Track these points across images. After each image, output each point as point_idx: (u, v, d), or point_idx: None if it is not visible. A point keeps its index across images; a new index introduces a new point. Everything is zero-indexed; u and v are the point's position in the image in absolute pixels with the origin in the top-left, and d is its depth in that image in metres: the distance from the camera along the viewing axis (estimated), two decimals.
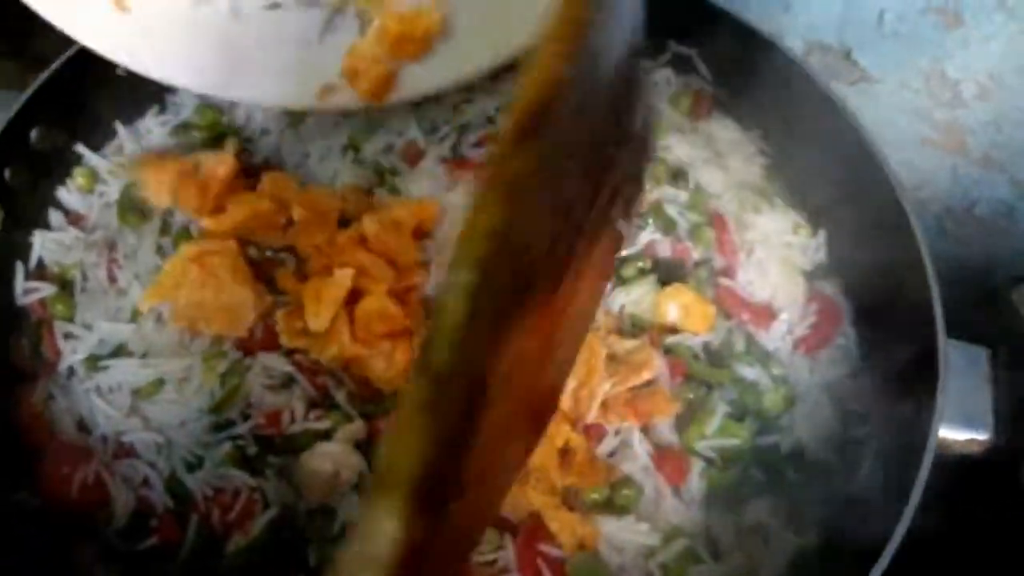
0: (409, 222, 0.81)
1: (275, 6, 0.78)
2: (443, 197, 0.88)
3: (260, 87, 0.81)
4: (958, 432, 0.72)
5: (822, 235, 0.90)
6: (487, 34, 0.78)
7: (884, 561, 0.65)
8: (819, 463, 0.79)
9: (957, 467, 0.71)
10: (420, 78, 0.82)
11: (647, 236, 0.86)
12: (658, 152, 0.93)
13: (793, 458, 0.79)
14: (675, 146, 0.94)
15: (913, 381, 0.74)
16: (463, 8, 0.79)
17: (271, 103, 0.84)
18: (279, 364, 0.77)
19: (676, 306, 0.81)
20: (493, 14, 0.78)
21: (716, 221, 0.89)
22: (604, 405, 0.74)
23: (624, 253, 0.85)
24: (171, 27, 0.77)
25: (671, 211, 0.88)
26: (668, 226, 0.87)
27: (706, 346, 0.81)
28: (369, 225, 0.80)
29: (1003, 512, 0.79)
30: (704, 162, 0.94)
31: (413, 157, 0.91)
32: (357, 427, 0.76)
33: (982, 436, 0.72)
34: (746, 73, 0.95)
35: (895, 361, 0.78)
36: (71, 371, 0.80)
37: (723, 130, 0.98)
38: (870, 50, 1.19)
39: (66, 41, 0.90)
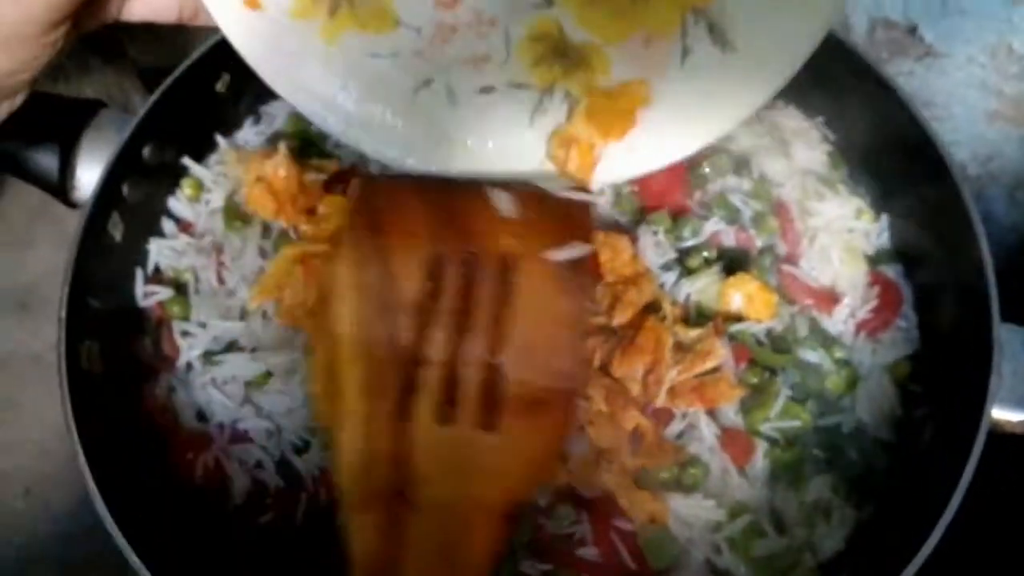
0: None
1: (488, 90, 0.79)
2: None
3: (471, 165, 0.82)
4: (1011, 413, 0.76)
5: (884, 220, 0.93)
6: (691, 119, 0.78)
7: (936, 535, 0.69)
8: (879, 442, 0.83)
9: (1011, 446, 0.75)
10: (626, 160, 0.81)
11: (712, 226, 0.90)
12: (722, 142, 0.97)
13: (854, 437, 0.83)
14: (739, 136, 0.97)
15: (968, 363, 0.78)
16: (669, 91, 0.78)
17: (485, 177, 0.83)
18: None
19: (740, 295, 0.85)
20: (697, 99, 0.77)
21: (779, 209, 0.92)
22: (671, 391, 0.80)
23: (690, 243, 0.90)
24: (390, 109, 0.80)
25: (735, 200, 0.92)
26: (732, 215, 0.91)
27: (769, 332, 0.85)
28: None
29: None
30: (767, 151, 0.97)
31: None
32: None
33: None
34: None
35: (953, 343, 0.82)
36: (189, 366, 0.88)
37: (787, 118, 1.00)
38: (935, 25, 1.20)
39: (166, 55, 0.99)
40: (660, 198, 0.92)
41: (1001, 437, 0.76)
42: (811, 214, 0.93)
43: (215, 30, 0.76)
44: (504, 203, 0.76)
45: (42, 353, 1.18)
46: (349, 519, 0.64)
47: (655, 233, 0.89)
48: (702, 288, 0.87)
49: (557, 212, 0.77)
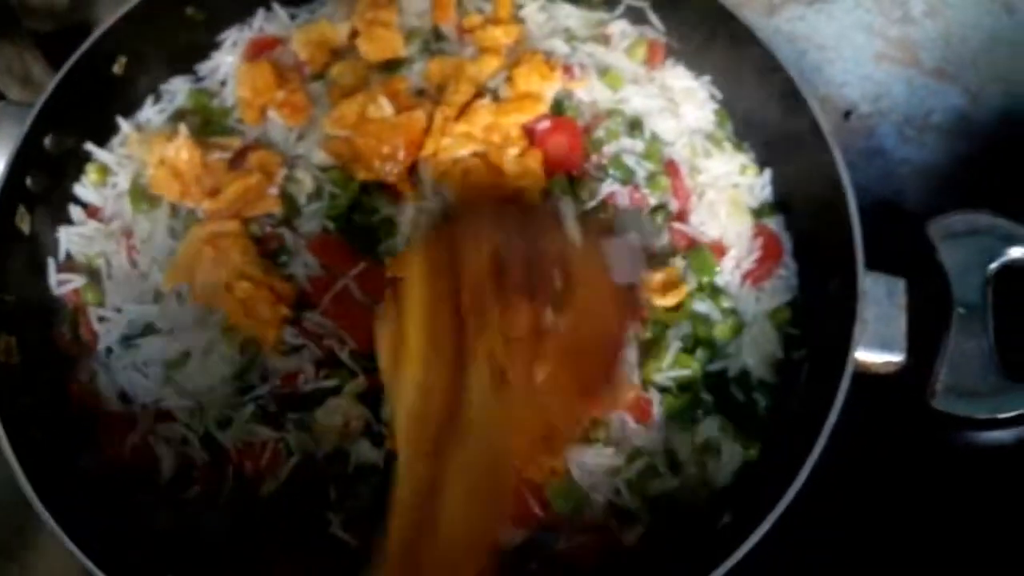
0: None
1: None
2: None
3: None
4: (875, 355, 0.83)
5: (767, 174, 0.99)
6: None
7: (805, 471, 0.77)
8: (763, 383, 0.90)
9: (875, 385, 0.82)
10: None
11: (607, 187, 0.95)
12: (616, 104, 1.01)
13: (739, 380, 0.90)
14: (632, 97, 1.01)
15: (839, 308, 0.85)
16: None
17: None
18: (289, 333, 0.88)
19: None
20: None
21: (670, 168, 0.97)
22: None
23: (588, 205, 0.94)
24: None
25: (629, 161, 0.97)
26: (626, 176, 0.96)
27: None
28: None
29: (912, 427, 0.90)
30: (659, 111, 1.02)
31: None
32: (360, 382, 0.87)
33: (896, 358, 0.83)
34: (693, 21, 1.02)
35: (824, 290, 0.89)
36: (108, 350, 0.91)
37: (676, 79, 1.04)
38: None
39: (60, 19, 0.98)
40: (558, 164, 0.96)
41: (870, 377, 0.83)
42: (699, 171, 0.98)
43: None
44: (571, 225, 0.79)
45: None
46: (403, 465, 0.69)
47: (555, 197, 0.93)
48: None
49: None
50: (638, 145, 0.97)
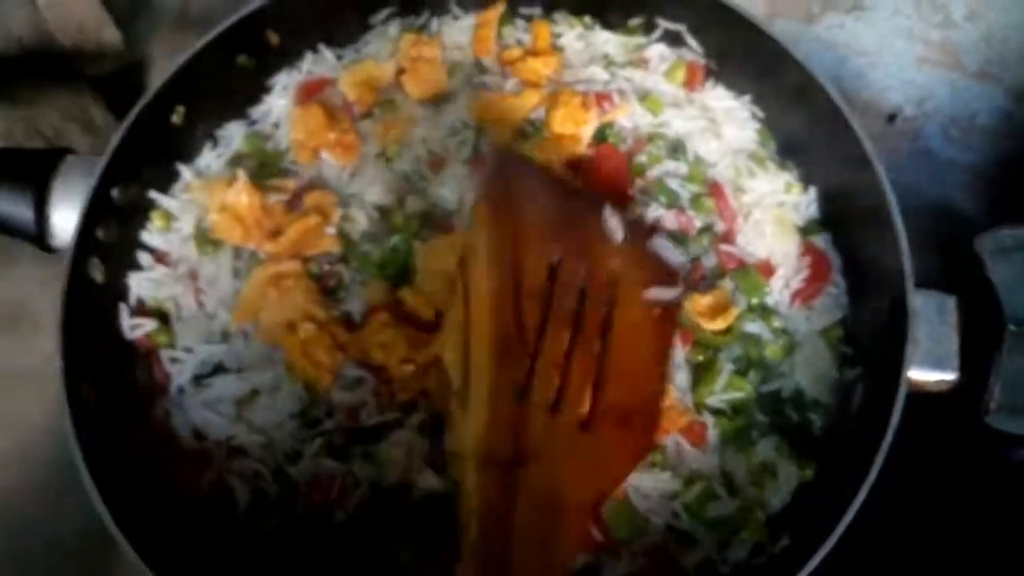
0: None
1: None
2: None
3: None
4: (928, 373, 0.83)
5: (812, 191, 1.00)
6: None
7: (865, 488, 0.78)
8: (816, 403, 0.92)
9: (929, 404, 0.83)
10: None
11: (653, 212, 0.97)
12: (657, 128, 1.03)
13: (793, 401, 0.91)
14: (673, 120, 1.03)
15: (890, 327, 0.85)
16: None
17: None
18: (350, 369, 0.92)
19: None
20: None
21: (714, 190, 0.99)
22: None
23: None
24: None
25: (672, 184, 0.98)
26: (671, 199, 0.98)
27: None
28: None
29: (967, 444, 0.91)
30: (700, 132, 1.03)
31: (437, 164, 1.02)
32: (420, 416, 0.90)
33: (949, 376, 0.84)
34: (730, 41, 1.04)
35: (876, 308, 0.90)
36: (181, 390, 0.95)
37: (716, 99, 1.06)
38: None
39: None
40: (604, 190, 0.98)
41: (923, 395, 0.84)
42: (744, 191, 1.00)
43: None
44: (614, 226, 0.84)
45: (37, 367, 1.24)
46: (472, 477, 0.73)
47: None
48: None
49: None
50: (681, 168, 0.99)
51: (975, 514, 0.92)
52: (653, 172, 0.99)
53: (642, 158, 0.99)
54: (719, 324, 0.90)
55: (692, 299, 0.91)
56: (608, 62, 1.07)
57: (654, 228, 0.95)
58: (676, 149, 1.01)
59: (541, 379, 0.75)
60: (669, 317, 0.83)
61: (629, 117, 1.02)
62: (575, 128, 0.99)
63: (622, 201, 0.98)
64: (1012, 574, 0.88)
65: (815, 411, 0.91)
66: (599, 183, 0.98)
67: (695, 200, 0.98)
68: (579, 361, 0.77)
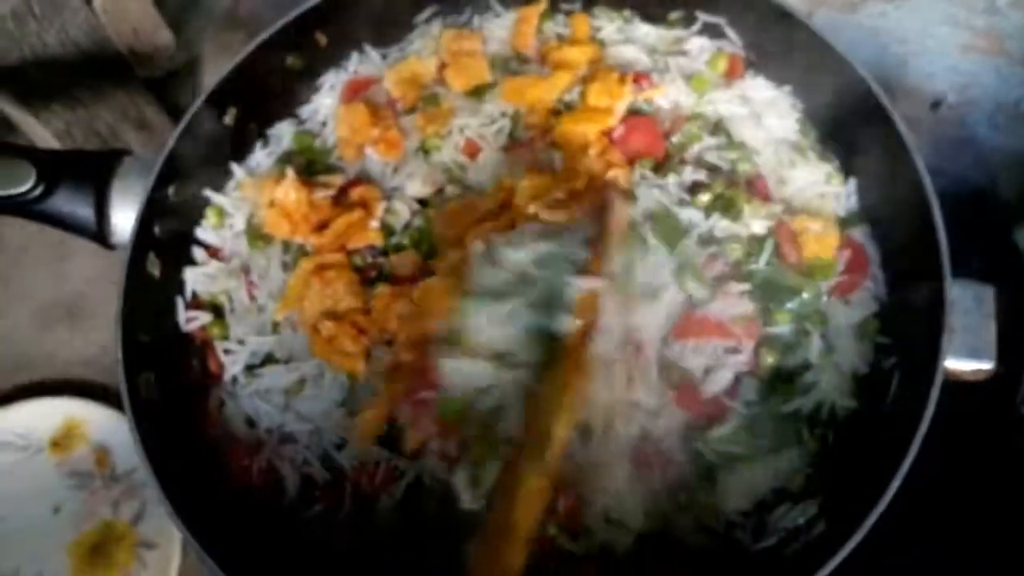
0: None
1: None
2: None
3: None
4: (965, 363, 0.84)
5: (852, 183, 1.00)
6: None
7: (900, 475, 0.79)
8: (841, 400, 0.92)
9: (965, 392, 0.83)
10: None
11: (690, 175, 0.98)
12: (699, 107, 1.04)
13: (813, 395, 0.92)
14: (716, 102, 1.04)
15: (927, 317, 0.85)
16: None
17: None
18: (378, 350, 0.94)
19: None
20: None
21: (757, 183, 0.99)
22: None
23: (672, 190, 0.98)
24: None
25: (711, 158, 0.99)
26: (713, 172, 0.98)
27: None
28: None
29: (1003, 433, 0.91)
30: (742, 119, 1.04)
31: (472, 151, 1.04)
32: None
33: (986, 366, 0.84)
34: (770, 33, 1.04)
35: (913, 299, 0.90)
36: (234, 380, 0.99)
37: (757, 90, 1.06)
38: None
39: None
40: (640, 155, 1.00)
41: (960, 384, 0.84)
42: (785, 182, 1.00)
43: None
44: None
45: (96, 357, 1.30)
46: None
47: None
48: None
49: None
50: (720, 142, 1.00)
51: (1009, 503, 0.92)
52: (692, 151, 1.00)
53: (680, 137, 1.00)
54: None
55: None
56: (651, 49, 1.08)
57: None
58: (716, 129, 1.01)
59: None
60: None
61: (667, 98, 1.03)
62: (610, 101, 1.00)
63: (661, 161, 0.98)
64: None
65: (854, 399, 0.91)
66: (634, 150, 0.99)
67: (733, 167, 0.98)
68: None
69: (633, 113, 1.02)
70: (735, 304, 0.90)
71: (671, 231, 0.93)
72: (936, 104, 1.29)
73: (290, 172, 1.00)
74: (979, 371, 0.84)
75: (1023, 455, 0.93)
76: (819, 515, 0.87)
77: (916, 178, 0.89)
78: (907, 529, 0.82)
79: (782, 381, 0.91)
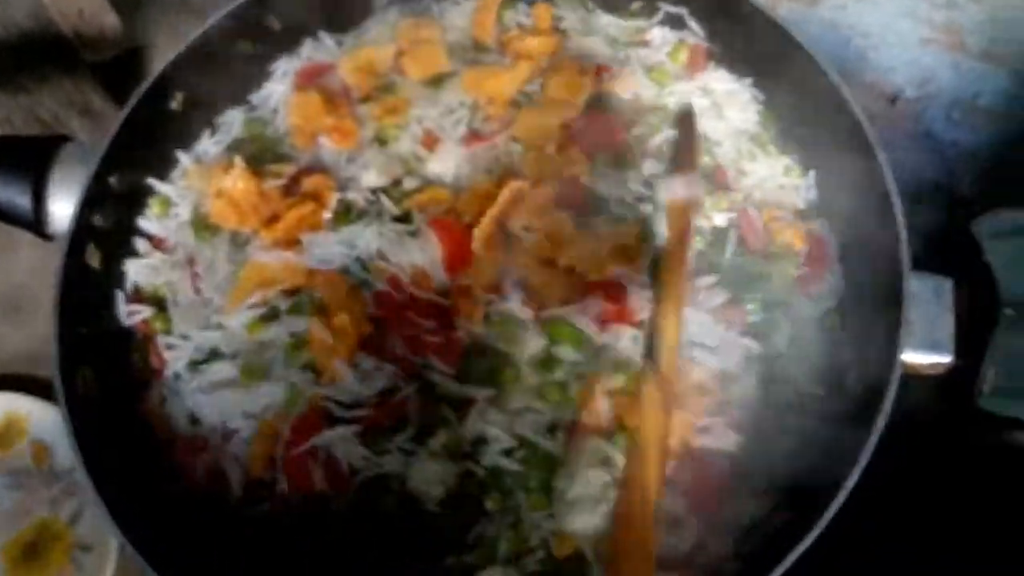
0: None
1: None
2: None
3: None
4: (923, 356, 0.83)
5: (811, 175, 0.99)
6: None
7: (857, 470, 0.77)
8: (812, 387, 0.91)
9: (923, 386, 0.83)
10: None
11: (650, 168, 0.97)
12: (660, 100, 1.03)
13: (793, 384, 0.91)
14: (677, 94, 1.03)
15: (885, 310, 0.85)
16: None
17: None
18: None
19: None
20: None
21: (717, 173, 0.98)
22: None
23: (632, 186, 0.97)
24: None
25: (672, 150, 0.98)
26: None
27: None
28: None
29: (961, 427, 0.90)
30: (704, 112, 1.02)
31: (431, 142, 1.01)
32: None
33: (944, 359, 0.83)
34: (731, 24, 1.03)
35: (872, 293, 0.89)
36: (177, 376, 0.95)
37: (719, 81, 1.05)
38: None
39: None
40: (599, 149, 0.98)
41: (918, 378, 0.83)
42: (745, 174, 0.99)
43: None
44: None
45: (38, 351, 1.26)
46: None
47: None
48: None
49: None
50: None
51: (969, 497, 0.92)
52: (654, 141, 0.99)
53: (641, 129, 0.98)
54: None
55: None
56: (612, 40, 1.06)
57: None
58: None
59: None
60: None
61: (628, 90, 1.02)
62: (569, 94, 0.99)
63: (620, 154, 0.97)
64: (1006, 556, 0.87)
65: (813, 394, 0.90)
66: (593, 144, 0.97)
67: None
68: None
69: (593, 106, 1.00)
70: (709, 296, 0.89)
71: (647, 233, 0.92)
72: (894, 98, 1.30)
73: (239, 160, 0.97)
74: (937, 364, 0.83)
75: (982, 449, 0.92)
76: (778, 508, 0.86)
77: (876, 172, 0.88)
78: (867, 524, 0.81)
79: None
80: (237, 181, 0.96)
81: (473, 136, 1.01)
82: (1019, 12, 1.27)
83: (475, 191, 0.96)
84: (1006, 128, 1.26)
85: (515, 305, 0.88)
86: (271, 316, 0.93)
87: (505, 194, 0.91)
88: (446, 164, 1.00)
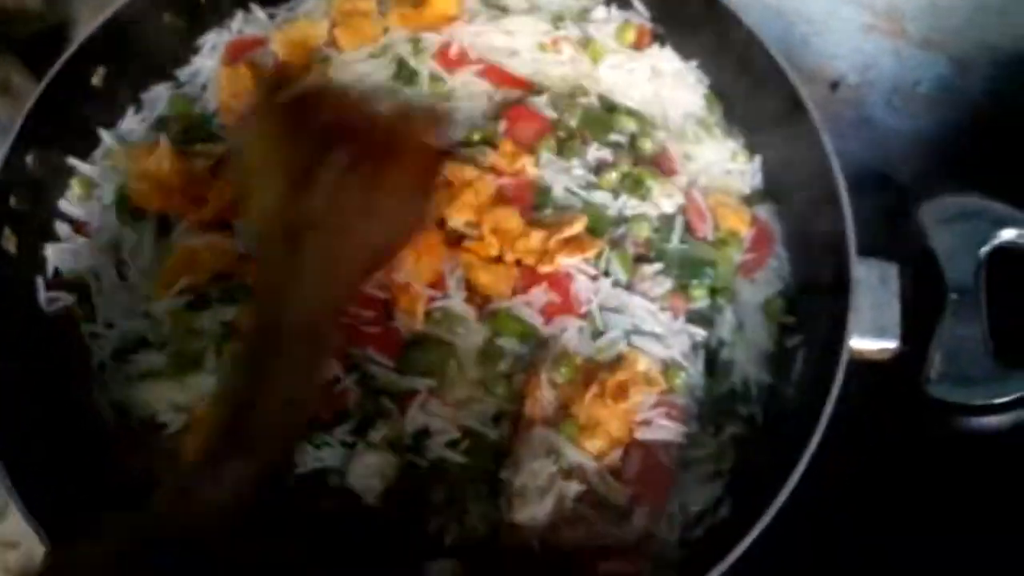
0: None
1: None
2: None
3: None
4: (870, 342, 0.83)
5: (757, 160, 0.98)
6: None
7: (805, 458, 0.77)
8: (758, 374, 0.90)
9: (869, 373, 0.82)
10: None
11: (594, 152, 0.94)
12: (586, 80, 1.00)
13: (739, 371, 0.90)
14: (612, 71, 1.00)
15: (831, 296, 0.84)
16: None
17: None
18: None
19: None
20: None
21: (663, 158, 0.96)
22: None
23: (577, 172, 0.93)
24: None
25: (613, 136, 0.95)
26: (616, 150, 0.94)
27: None
28: None
29: (908, 413, 0.91)
30: (647, 94, 1.01)
31: None
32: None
33: (891, 345, 0.83)
34: (677, 5, 1.01)
35: (816, 278, 0.89)
36: (102, 365, 0.90)
37: (665, 62, 1.03)
38: None
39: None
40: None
41: (864, 364, 0.83)
42: (691, 159, 0.97)
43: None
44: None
45: None
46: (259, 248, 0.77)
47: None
48: None
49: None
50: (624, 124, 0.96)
51: (916, 484, 0.92)
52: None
53: (572, 121, 0.95)
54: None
55: None
56: (555, 17, 1.03)
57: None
58: (610, 107, 0.97)
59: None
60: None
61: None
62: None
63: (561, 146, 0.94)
64: (951, 541, 0.88)
65: (758, 382, 0.90)
66: (524, 138, 0.94)
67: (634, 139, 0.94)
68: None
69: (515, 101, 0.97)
70: (655, 284, 0.87)
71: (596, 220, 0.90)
72: (835, 85, 1.30)
73: (164, 140, 0.92)
74: (884, 350, 0.83)
75: (929, 435, 0.93)
76: (724, 497, 0.85)
77: (822, 157, 0.88)
78: (815, 512, 0.81)
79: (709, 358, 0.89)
80: (162, 162, 0.91)
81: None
82: None
83: None
84: (946, 115, 1.27)
85: (457, 303, 0.85)
86: (200, 304, 0.89)
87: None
88: None
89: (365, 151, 0.75)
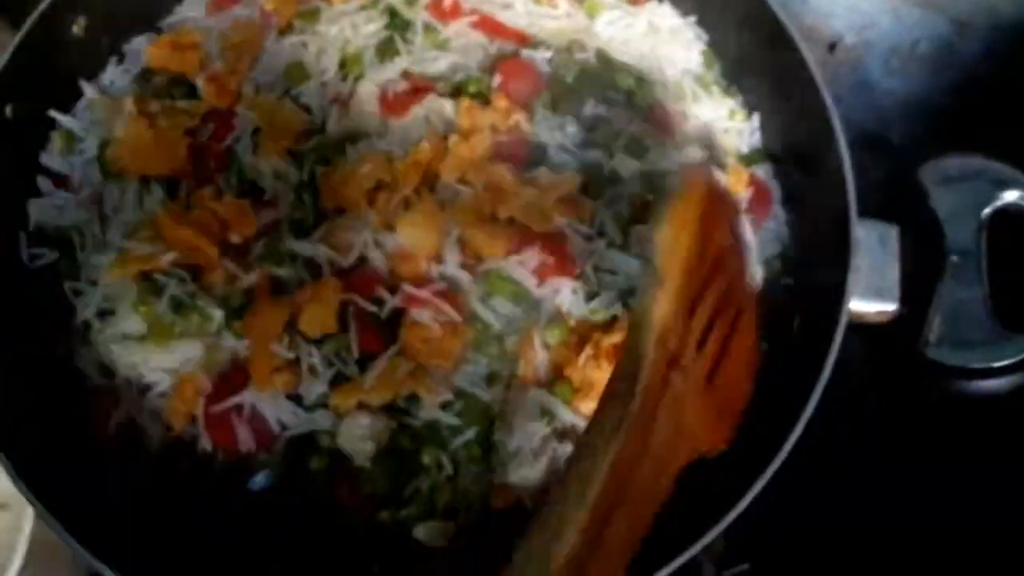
0: None
1: None
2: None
3: None
4: (869, 304, 0.82)
5: (756, 119, 0.97)
6: None
7: (803, 420, 0.76)
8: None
9: (869, 335, 0.81)
10: None
11: (590, 109, 0.93)
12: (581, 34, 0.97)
13: None
14: (607, 27, 0.98)
15: (831, 257, 0.83)
16: None
17: None
18: None
19: None
20: None
21: (660, 115, 0.94)
22: None
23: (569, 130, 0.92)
24: None
25: (610, 92, 0.93)
26: (613, 106, 0.93)
27: None
28: None
29: (906, 376, 0.90)
30: (645, 50, 0.98)
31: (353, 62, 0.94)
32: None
33: (890, 307, 0.82)
34: None
35: (816, 239, 0.87)
36: (86, 324, 0.88)
37: (662, 17, 1.01)
38: None
39: None
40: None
41: (863, 327, 0.82)
42: (688, 118, 0.95)
43: None
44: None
45: None
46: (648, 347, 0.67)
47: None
48: None
49: None
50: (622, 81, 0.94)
51: (913, 446, 0.92)
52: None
53: (569, 78, 0.93)
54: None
55: None
56: None
57: None
58: (604, 59, 0.95)
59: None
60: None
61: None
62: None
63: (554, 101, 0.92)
64: (949, 505, 0.88)
65: None
66: (519, 94, 0.92)
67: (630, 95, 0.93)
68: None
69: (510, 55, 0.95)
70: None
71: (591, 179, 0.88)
72: (832, 45, 1.28)
73: (128, 103, 0.90)
74: (883, 312, 0.82)
75: (927, 398, 0.93)
76: (722, 460, 0.84)
77: (823, 115, 0.86)
78: (812, 474, 0.80)
79: None
80: (128, 126, 0.88)
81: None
82: None
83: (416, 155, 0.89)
84: (944, 76, 1.26)
85: (451, 267, 0.83)
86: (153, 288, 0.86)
87: (426, 149, 0.86)
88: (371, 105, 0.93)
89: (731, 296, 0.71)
